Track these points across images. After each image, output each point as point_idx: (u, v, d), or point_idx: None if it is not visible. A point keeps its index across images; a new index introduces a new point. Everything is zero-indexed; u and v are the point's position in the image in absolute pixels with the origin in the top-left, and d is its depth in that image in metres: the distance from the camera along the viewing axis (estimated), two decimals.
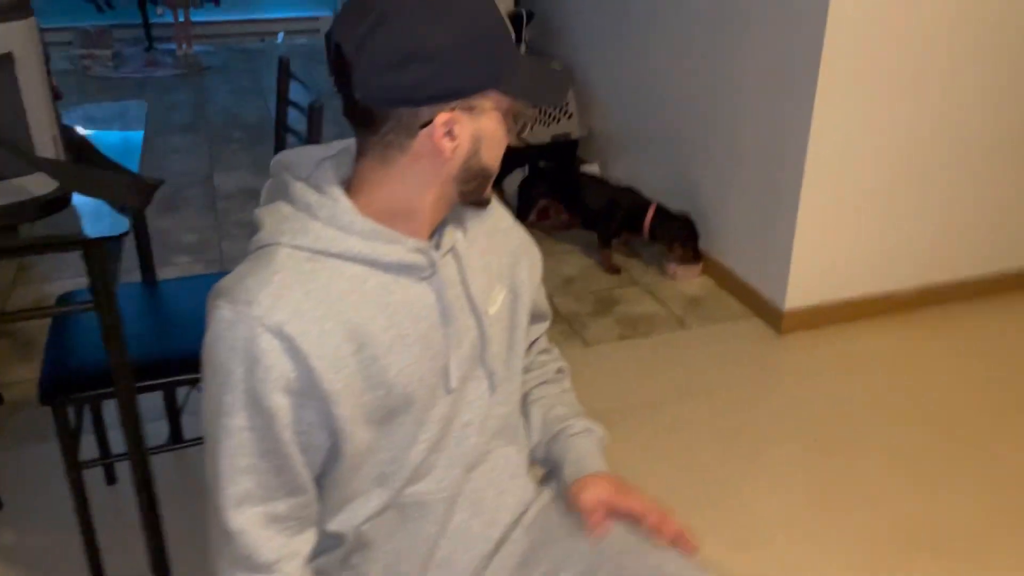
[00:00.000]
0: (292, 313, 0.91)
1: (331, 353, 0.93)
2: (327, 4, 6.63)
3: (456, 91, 0.92)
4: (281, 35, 6.58)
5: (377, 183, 0.98)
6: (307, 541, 1.02)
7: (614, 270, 3.15)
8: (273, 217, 0.98)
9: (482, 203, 1.05)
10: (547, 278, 1.24)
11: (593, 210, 3.20)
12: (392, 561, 1.09)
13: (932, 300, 2.92)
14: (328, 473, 1.02)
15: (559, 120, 3.86)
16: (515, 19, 4.15)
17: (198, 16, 6.08)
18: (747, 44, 2.76)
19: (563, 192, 3.31)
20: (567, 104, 3.85)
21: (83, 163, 1.36)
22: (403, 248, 0.98)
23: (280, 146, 1.94)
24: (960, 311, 2.92)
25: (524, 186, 3.39)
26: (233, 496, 0.96)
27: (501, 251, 1.14)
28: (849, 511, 2.05)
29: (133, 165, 1.54)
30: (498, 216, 1.15)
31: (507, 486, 1.16)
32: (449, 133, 0.93)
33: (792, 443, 2.29)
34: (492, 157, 1.00)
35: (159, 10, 5.92)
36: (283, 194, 0.99)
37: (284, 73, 1.89)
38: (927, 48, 2.53)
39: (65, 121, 1.50)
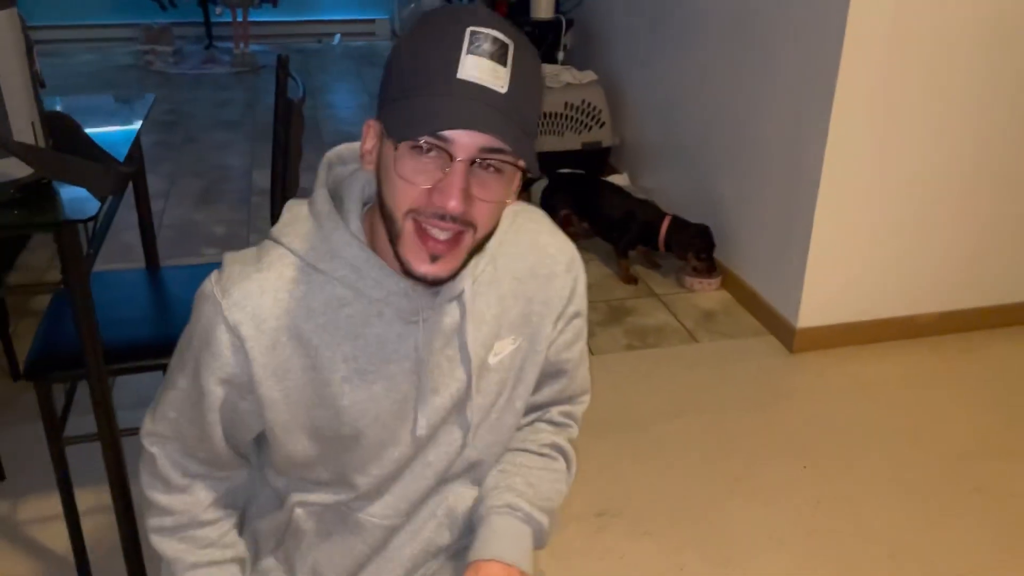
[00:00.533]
0: (251, 316, 0.91)
1: (276, 363, 0.93)
2: (384, 6, 6.73)
3: (379, 106, 0.88)
4: (338, 36, 6.71)
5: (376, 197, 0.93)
6: (213, 488, 1.08)
7: (631, 280, 3.13)
8: (291, 213, 0.98)
9: (412, 274, 0.89)
10: None
11: (610, 220, 3.19)
12: (320, 563, 1.11)
13: (952, 327, 2.82)
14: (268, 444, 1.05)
15: (591, 128, 3.85)
16: (554, 26, 4.17)
17: (256, 16, 6.24)
18: (769, 64, 2.72)
19: (581, 201, 3.30)
20: (600, 111, 3.84)
21: (64, 150, 1.41)
22: (392, 287, 0.93)
23: (276, 140, 1.99)
24: (981, 340, 2.82)
25: (546, 193, 3.39)
26: (156, 431, 1.04)
27: (529, 298, 1.03)
28: (837, 535, 2.00)
29: (121, 155, 1.59)
30: (546, 260, 1.04)
31: (451, 523, 1.11)
32: (374, 146, 0.90)
33: (789, 463, 2.24)
34: (388, 193, 0.87)
35: (218, 10, 6.10)
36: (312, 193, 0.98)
37: (283, 69, 1.94)
38: (946, 68, 2.45)
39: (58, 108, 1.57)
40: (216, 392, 0.96)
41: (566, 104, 3.78)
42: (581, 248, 1.12)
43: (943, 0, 2.36)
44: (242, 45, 6.11)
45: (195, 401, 0.98)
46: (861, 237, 2.63)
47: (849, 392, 2.55)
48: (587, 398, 1.21)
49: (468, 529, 1.13)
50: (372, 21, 6.77)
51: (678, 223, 3.09)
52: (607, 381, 2.56)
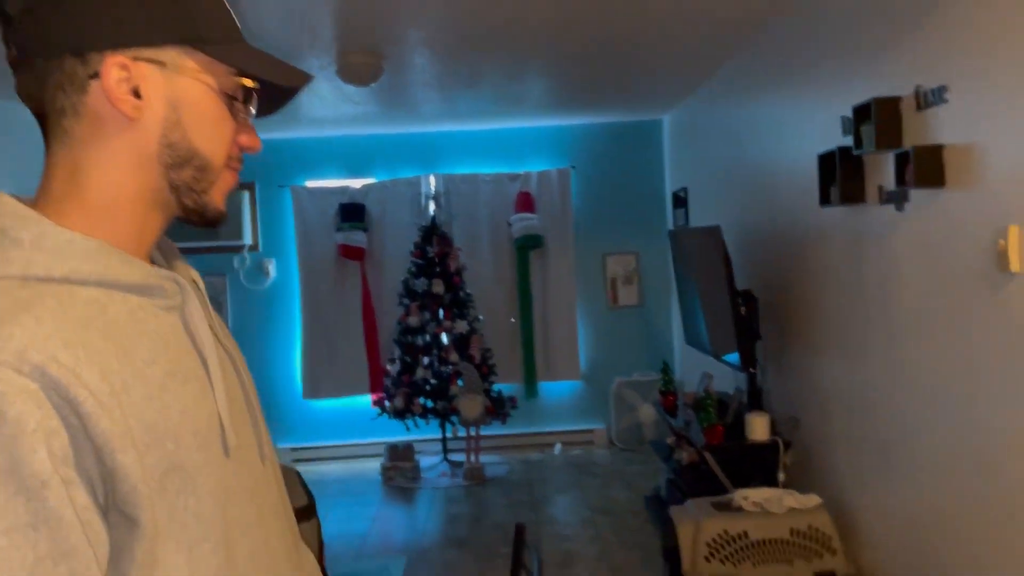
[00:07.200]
0: (29, 339, 0.68)
1: (96, 383, 0.70)
2: (601, 417, 7.14)
3: (131, 37, 0.76)
4: (558, 447, 7.09)
5: (64, 178, 0.78)
6: None
7: None
8: None
9: (207, 218, 0.84)
10: None
11: None
12: None
13: None
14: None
15: (822, 555, 3.69)
16: (771, 448, 4.22)
17: (487, 430, 6.79)
18: None
19: None
20: (830, 538, 3.70)
21: None
22: (142, 268, 0.79)
23: None
24: None
25: None
26: None
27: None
28: None
29: None
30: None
31: None
32: (135, 92, 0.77)
33: None
34: (205, 138, 0.81)
35: (455, 430, 6.72)
36: None
37: (519, 537, 2.10)
38: None
39: None
40: (58, 481, 0.66)
41: (792, 531, 3.69)
42: None
43: None
44: (472, 458, 6.60)
45: (39, 517, 0.65)
46: None
47: None
48: None
49: None
50: (591, 431, 7.15)
51: None
52: None
